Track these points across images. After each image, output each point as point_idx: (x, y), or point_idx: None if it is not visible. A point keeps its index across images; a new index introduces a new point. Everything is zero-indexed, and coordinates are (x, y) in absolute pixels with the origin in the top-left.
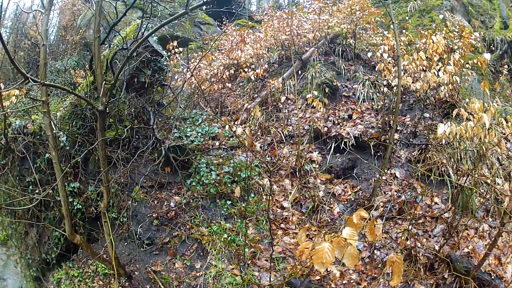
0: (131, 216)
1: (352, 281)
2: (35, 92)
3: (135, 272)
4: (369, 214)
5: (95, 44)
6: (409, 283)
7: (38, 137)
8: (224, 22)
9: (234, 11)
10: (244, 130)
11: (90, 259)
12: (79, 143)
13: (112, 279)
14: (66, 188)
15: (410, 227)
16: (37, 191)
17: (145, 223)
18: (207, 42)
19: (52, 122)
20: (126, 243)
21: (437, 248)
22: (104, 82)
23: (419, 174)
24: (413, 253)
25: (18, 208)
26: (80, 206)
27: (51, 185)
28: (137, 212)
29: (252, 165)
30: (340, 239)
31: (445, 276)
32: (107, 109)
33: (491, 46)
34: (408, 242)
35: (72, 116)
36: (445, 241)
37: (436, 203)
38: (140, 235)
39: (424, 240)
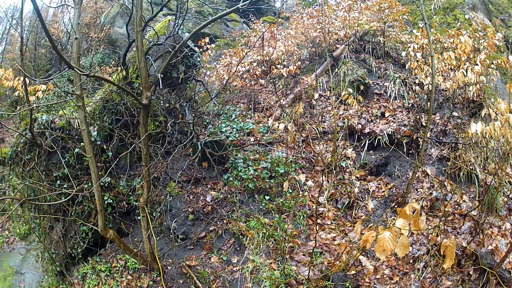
0: (166, 211)
1: (385, 276)
2: (59, 89)
3: (168, 267)
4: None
5: (137, 37)
6: (437, 278)
7: (67, 132)
8: (251, 19)
9: (261, 7)
10: (287, 126)
11: (119, 254)
12: (110, 138)
13: (143, 274)
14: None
15: (440, 223)
16: (65, 186)
17: (180, 218)
18: (236, 38)
19: (87, 116)
20: (158, 238)
21: (464, 244)
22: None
23: (449, 172)
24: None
25: (47, 204)
26: (111, 201)
27: (80, 179)
28: (172, 207)
29: (289, 161)
30: (393, 229)
31: (470, 272)
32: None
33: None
34: (438, 239)
35: (104, 111)
36: (471, 238)
37: (464, 201)
38: (175, 230)
39: (453, 236)
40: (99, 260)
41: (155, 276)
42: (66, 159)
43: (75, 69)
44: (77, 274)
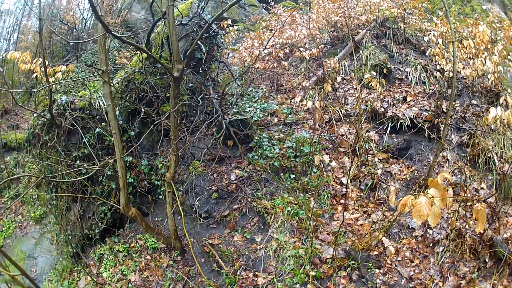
0: (189, 190)
1: (406, 258)
2: (76, 74)
3: (189, 246)
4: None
5: (168, 11)
6: (455, 264)
7: (87, 112)
8: (270, 4)
9: None
10: (314, 104)
11: (139, 234)
12: (132, 118)
13: (162, 254)
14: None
15: (459, 209)
16: (85, 166)
17: (203, 196)
18: (256, 22)
19: (112, 92)
20: (179, 217)
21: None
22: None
23: (468, 158)
24: (461, 234)
25: (68, 180)
26: (132, 180)
27: (100, 160)
28: (195, 186)
29: (313, 141)
30: (427, 195)
31: (486, 260)
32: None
33: None
34: (457, 223)
35: (127, 90)
36: (488, 225)
37: (482, 188)
38: (197, 208)
39: (471, 222)
40: (117, 241)
41: (175, 255)
42: (87, 139)
43: (112, 33)
44: (94, 255)
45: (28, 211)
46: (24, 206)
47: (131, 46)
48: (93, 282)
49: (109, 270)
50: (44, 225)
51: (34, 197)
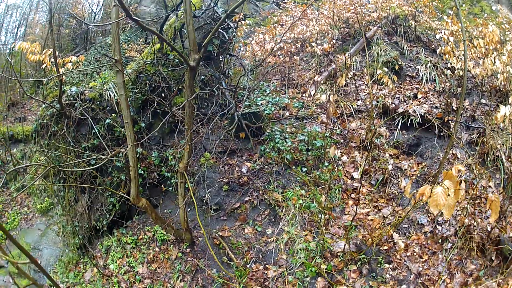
0: (200, 182)
1: (415, 253)
2: (85, 67)
3: (199, 238)
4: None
5: (185, 1)
6: (463, 261)
7: (97, 103)
8: None
9: None
10: (328, 98)
11: (147, 226)
12: (143, 109)
13: (171, 246)
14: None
15: (468, 206)
16: (93, 157)
17: (214, 189)
18: (267, 17)
19: (125, 81)
20: (189, 209)
21: (488, 229)
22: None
23: (477, 156)
24: (469, 231)
25: (78, 170)
26: (142, 172)
27: (110, 150)
28: (205, 178)
29: (325, 135)
30: (443, 185)
31: (492, 258)
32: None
33: None
34: (466, 220)
35: (138, 81)
36: (495, 223)
37: (490, 186)
38: (208, 201)
39: (479, 220)
40: (125, 233)
41: (184, 247)
42: (96, 130)
43: (132, 17)
44: (101, 247)
45: (34, 202)
46: (30, 198)
47: (141, 40)
48: (100, 274)
49: (116, 262)
50: (51, 217)
51: (40, 188)
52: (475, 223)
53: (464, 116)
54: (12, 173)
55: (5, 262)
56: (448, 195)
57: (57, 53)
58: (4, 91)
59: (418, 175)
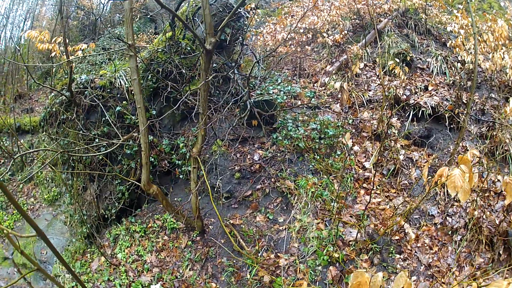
0: (211, 169)
1: (425, 244)
2: (94, 57)
3: (210, 226)
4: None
5: None
6: (471, 254)
7: (108, 90)
8: None
9: None
10: (342, 85)
11: (157, 214)
12: (154, 97)
13: (181, 234)
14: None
15: (477, 198)
16: (104, 144)
17: (225, 176)
18: (278, 8)
19: (138, 66)
20: (200, 197)
21: (497, 222)
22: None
23: (486, 150)
24: (478, 223)
25: (89, 155)
26: (153, 159)
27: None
28: (217, 165)
29: (337, 124)
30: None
31: (500, 252)
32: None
33: None
34: (475, 213)
35: (150, 69)
36: (503, 217)
37: (498, 180)
38: (219, 188)
39: (488, 213)
40: (134, 221)
41: (194, 236)
42: (106, 118)
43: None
44: (109, 236)
45: (41, 193)
46: (37, 188)
47: (150, 30)
48: (107, 263)
49: (124, 251)
50: (58, 206)
51: (48, 178)
52: (484, 216)
53: (473, 110)
54: (19, 163)
55: (9, 253)
56: (464, 180)
57: (67, 40)
58: (11, 83)
59: (429, 166)
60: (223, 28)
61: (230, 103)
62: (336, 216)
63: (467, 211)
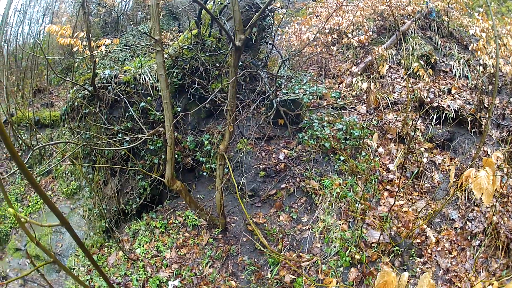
0: (236, 167)
1: (445, 249)
2: (116, 54)
3: (232, 224)
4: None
5: None
6: (488, 259)
7: (132, 86)
8: None
9: None
10: (369, 86)
11: (178, 210)
12: (179, 94)
13: (203, 231)
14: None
15: (497, 203)
16: (127, 139)
17: (250, 175)
18: (302, 8)
19: (165, 61)
20: (223, 195)
21: None
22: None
23: (506, 155)
24: (496, 229)
25: (110, 149)
26: (177, 156)
27: (143, 134)
28: (242, 163)
29: (363, 125)
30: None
31: None
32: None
33: None
34: (494, 218)
35: (176, 65)
36: None
37: None
38: (243, 186)
39: (506, 218)
40: (154, 217)
41: (216, 233)
42: (130, 113)
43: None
44: (128, 231)
45: (59, 186)
46: (55, 181)
47: (173, 28)
48: (125, 258)
49: (143, 246)
50: (77, 200)
51: (67, 171)
52: (502, 221)
53: (494, 114)
54: (37, 156)
55: (22, 245)
56: (488, 183)
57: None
58: (31, 77)
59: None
60: (252, 25)
61: (258, 100)
62: (360, 217)
63: (486, 216)
